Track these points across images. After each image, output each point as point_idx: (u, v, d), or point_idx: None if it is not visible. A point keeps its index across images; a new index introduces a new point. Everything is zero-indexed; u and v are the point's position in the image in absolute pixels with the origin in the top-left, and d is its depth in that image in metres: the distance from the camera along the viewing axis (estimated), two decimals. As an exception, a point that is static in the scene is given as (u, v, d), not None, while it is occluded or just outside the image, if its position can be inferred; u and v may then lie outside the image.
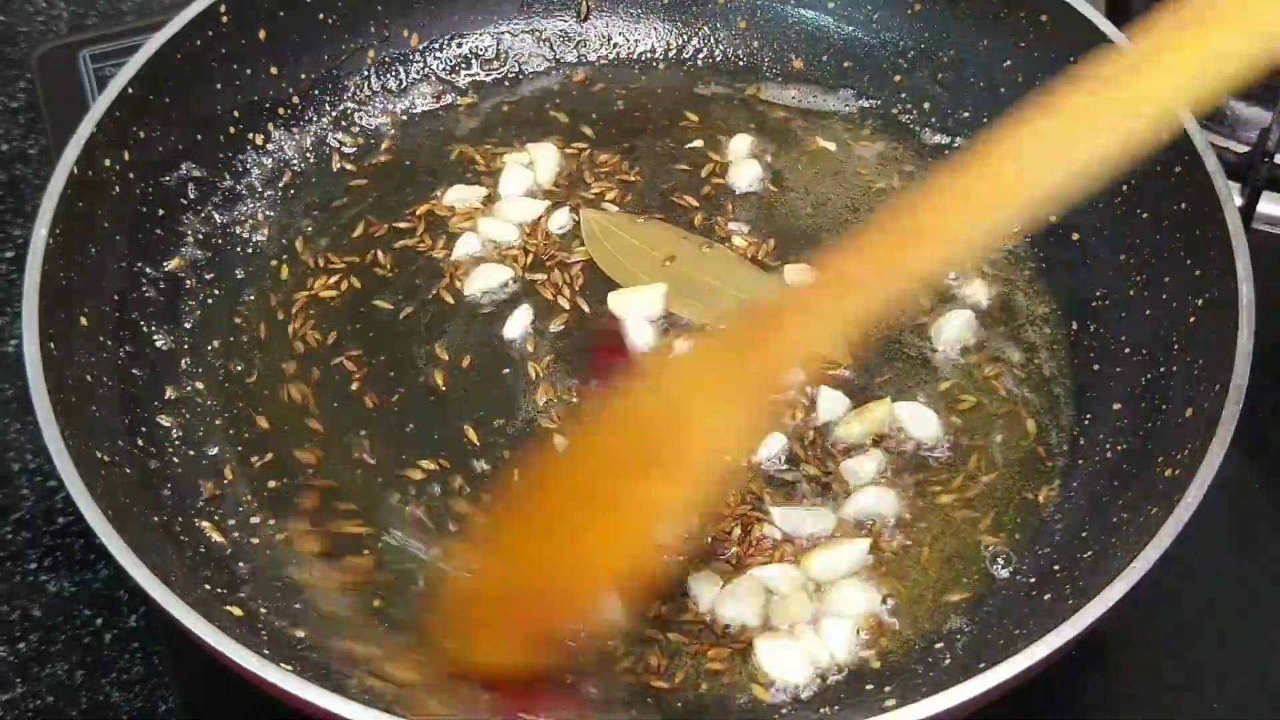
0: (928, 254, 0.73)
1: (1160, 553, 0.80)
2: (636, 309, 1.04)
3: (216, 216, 1.08)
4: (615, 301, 1.05)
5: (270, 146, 1.13)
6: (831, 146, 1.15)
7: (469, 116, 1.19)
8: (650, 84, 1.20)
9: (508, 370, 1.03)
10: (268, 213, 1.11)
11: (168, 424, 0.97)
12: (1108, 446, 0.96)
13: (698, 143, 1.16)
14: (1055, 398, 1.01)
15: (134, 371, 0.98)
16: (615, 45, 1.22)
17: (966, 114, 1.14)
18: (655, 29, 1.22)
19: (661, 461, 0.77)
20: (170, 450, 0.96)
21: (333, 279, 1.08)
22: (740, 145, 1.15)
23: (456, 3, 1.20)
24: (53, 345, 0.89)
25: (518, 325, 1.04)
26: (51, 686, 0.96)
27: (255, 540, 0.93)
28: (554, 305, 1.06)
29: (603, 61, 1.21)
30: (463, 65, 1.20)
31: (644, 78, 1.20)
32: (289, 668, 0.77)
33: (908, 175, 1.13)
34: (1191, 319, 0.95)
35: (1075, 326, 1.04)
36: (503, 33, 1.21)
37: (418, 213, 1.12)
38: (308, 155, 1.14)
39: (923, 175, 1.13)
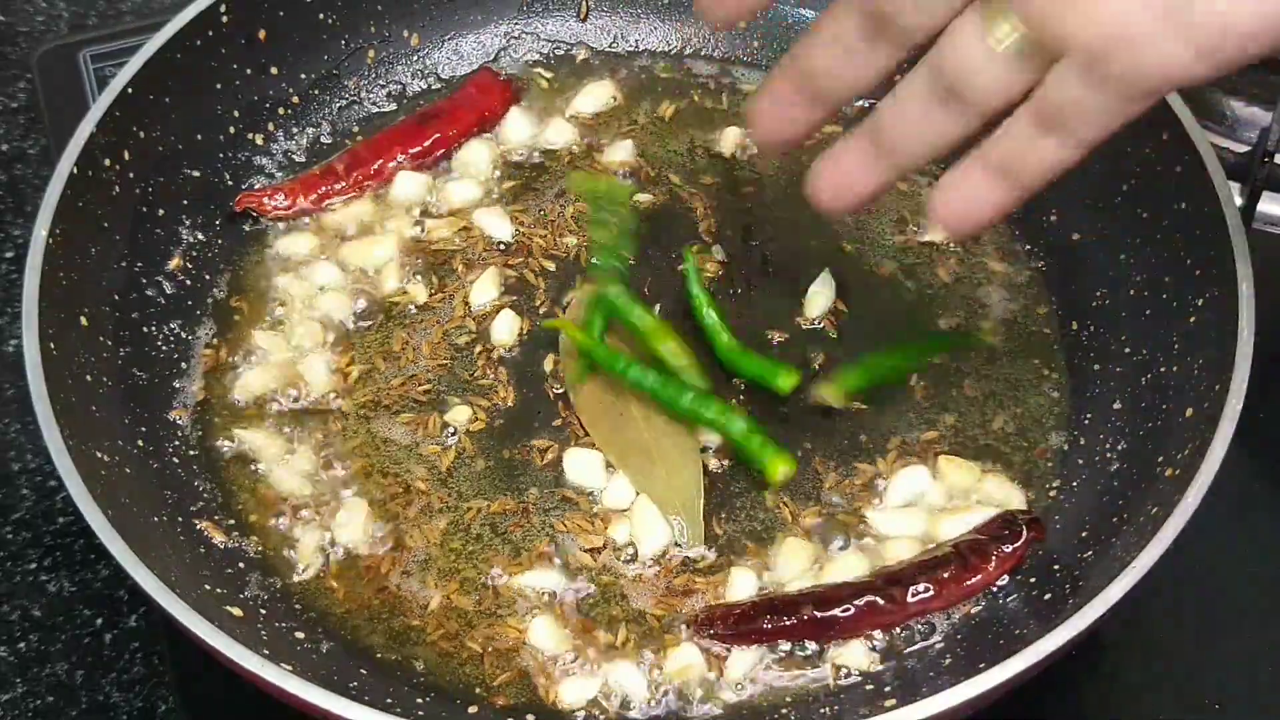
0: None
1: (1161, 552, 0.80)
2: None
3: (217, 217, 1.08)
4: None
5: (270, 147, 1.13)
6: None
7: (469, 116, 1.19)
8: (651, 83, 1.20)
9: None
10: (268, 213, 1.11)
11: (168, 424, 0.97)
12: (1108, 446, 0.96)
13: (697, 138, 1.16)
14: (1055, 398, 1.01)
15: (134, 371, 0.98)
16: (615, 44, 1.22)
17: (966, 114, 1.14)
18: (655, 28, 1.22)
19: None
20: (170, 450, 0.96)
21: (333, 279, 1.08)
22: (735, 136, 1.15)
23: (456, 3, 1.20)
24: (53, 345, 0.90)
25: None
26: (51, 686, 0.96)
27: (255, 540, 0.93)
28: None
29: (603, 61, 1.21)
30: (463, 66, 1.20)
31: (644, 77, 1.20)
32: (289, 668, 0.77)
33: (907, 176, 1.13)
34: (1191, 319, 0.95)
35: (1075, 326, 1.04)
36: (503, 33, 1.21)
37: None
38: (308, 155, 1.14)
39: (922, 177, 1.13)
